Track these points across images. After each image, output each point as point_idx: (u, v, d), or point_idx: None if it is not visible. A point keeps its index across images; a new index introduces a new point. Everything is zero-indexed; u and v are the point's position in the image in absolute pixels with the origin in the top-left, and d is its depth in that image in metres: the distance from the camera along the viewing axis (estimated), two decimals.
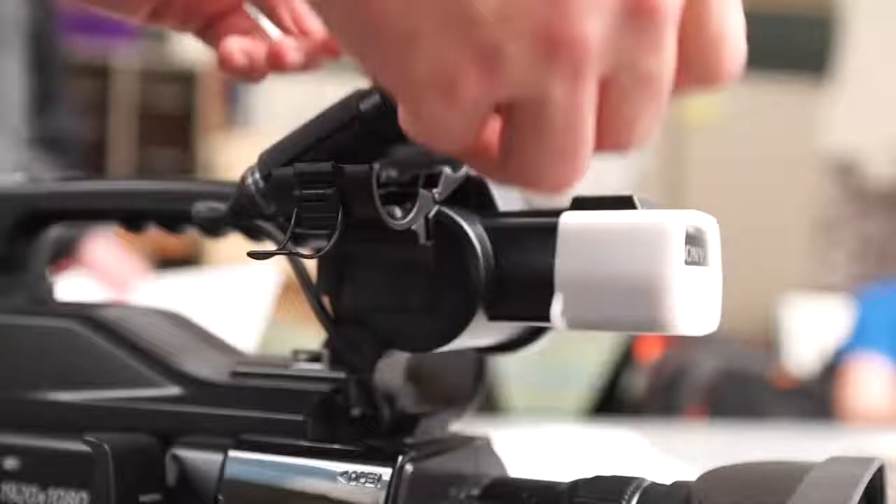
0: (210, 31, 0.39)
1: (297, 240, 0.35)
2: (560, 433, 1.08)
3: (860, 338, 1.82)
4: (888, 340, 1.78)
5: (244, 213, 0.33)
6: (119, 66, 3.12)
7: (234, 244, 0.43)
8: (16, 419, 0.38)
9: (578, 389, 1.96)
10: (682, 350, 1.96)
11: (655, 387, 1.93)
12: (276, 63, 0.37)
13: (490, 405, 1.71)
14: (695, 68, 0.28)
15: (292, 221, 0.31)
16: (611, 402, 1.97)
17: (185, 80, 3.21)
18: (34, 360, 0.39)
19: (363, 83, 0.31)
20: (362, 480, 0.32)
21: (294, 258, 0.34)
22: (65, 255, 1.06)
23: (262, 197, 0.32)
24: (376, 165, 0.30)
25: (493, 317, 0.32)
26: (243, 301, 1.18)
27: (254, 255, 0.31)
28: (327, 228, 0.30)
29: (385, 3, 0.25)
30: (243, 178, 0.33)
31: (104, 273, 1.10)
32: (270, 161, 0.32)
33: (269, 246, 0.37)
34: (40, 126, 1.13)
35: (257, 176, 0.32)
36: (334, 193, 0.30)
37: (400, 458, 0.32)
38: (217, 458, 0.34)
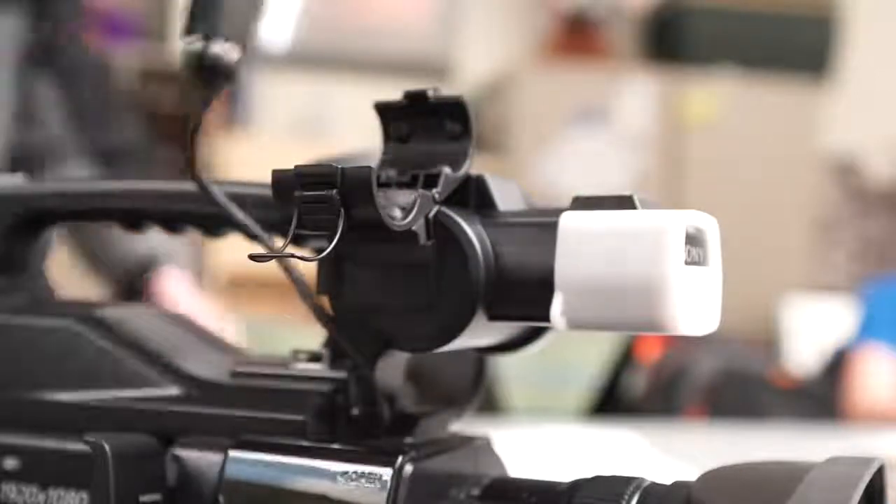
0: None
1: (298, 240, 0.35)
2: (560, 433, 1.08)
3: (866, 329, 1.82)
4: (893, 332, 1.79)
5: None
6: (119, 66, 3.12)
7: (235, 244, 0.43)
8: (16, 419, 0.38)
9: (578, 389, 1.95)
10: (682, 350, 1.96)
11: (655, 387, 1.93)
12: None
13: (490, 405, 1.71)
14: None
15: (293, 223, 0.31)
16: (611, 402, 1.96)
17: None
18: (34, 360, 0.39)
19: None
20: (362, 480, 0.32)
21: (288, 261, 0.34)
22: (137, 288, 1.06)
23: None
24: (376, 166, 0.30)
25: (493, 317, 0.32)
26: None
27: (254, 258, 0.31)
28: (328, 230, 0.30)
29: None
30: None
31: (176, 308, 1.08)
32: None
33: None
34: (93, 140, 1.11)
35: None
36: (335, 195, 0.30)
37: (400, 458, 0.32)
38: (217, 458, 0.34)
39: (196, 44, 0.32)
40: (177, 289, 1.08)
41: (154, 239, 1.06)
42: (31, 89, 1.07)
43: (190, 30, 0.32)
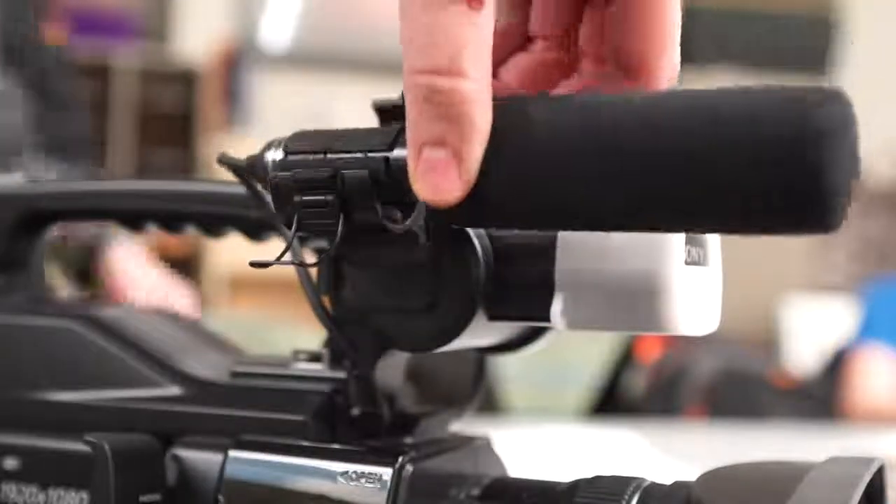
0: None
1: (300, 240, 0.35)
2: (560, 433, 1.09)
3: (866, 329, 1.82)
4: (893, 332, 1.79)
5: (256, 175, 0.33)
6: (119, 66, 3.12)
7: (235, 244, 0.43)
8: (16, 419, 0.38)
9: (578, 389, 1.95)
10: (682, 350, 1.96)
11: (655, 387, 1.93)
12: None
13: (490, 405, 1.71)
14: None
15: (293, 228, 0.31)
16: (611, 402, 1.96)
17: (185, 80, 3.21)
18: (34, 360, 0.39)
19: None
20: (363, 480, 0.32)
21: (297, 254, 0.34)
22: (90, 263, 1.07)
23: (273, 171, 0.32)
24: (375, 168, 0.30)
25: (493, 317, 0.32)
26: None
27: (255, 265, 0.31)
28: (328, 234, 0.30)
29: None
30: (267, 146, 0.33)
31: (129, 282, 1.09)
32: (294, 147, 0.32)
33: (271, 245, 0.37)
34: (50, 136, 1.12)
35: (279, 153, 0.32)
36: (335, 199, 0.30)
37: (400, 459, 0.32)
38: (217, 458, 0.34)
39: (274, 148, 0.32)
40: (128, 264, 1.09)
41: None
42: None
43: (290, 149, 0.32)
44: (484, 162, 0.28)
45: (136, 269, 1.10)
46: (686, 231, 0.29)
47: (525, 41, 0.33)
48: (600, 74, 0.32)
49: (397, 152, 0.30)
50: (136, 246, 1.13)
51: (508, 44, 0.32)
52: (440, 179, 0.28)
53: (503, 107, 0.28)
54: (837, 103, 0.24)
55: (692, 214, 0.26)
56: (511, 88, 0.32)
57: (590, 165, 0.27)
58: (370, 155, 0.30)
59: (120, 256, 1.10)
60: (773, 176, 0.24)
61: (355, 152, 0.30)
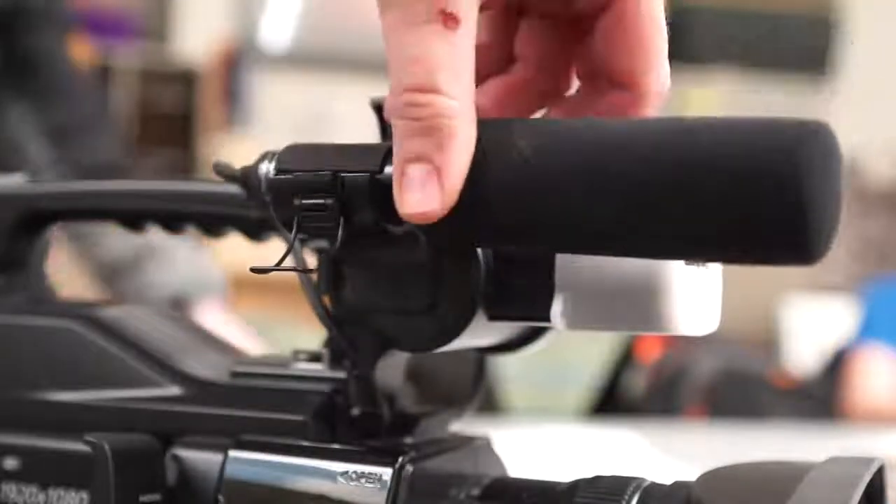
0: None
1: (300, 240, 0.35)
2: (560, 433, 1.09)
3: (866, 329, 1.83)
4: (893, 332, 1.79)
5: (249, 186, 0.33)
6: (119, 66, 3.12)
7: (235, 244, 0.43)
8: (16, 419, 0.38)
9: (578, 389, 1.95)
10: (682, 350, 1.96)
11: (655, 387, 1.93)
12: None
13: (490, 405, 1.71)
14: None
15: (293, 232, 0.31)
16: (611, 402, 1.96)
17: (185, 80, 3.21)
18: (34, 360, 0.39)
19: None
20: (363, 480, 0.32)
21: (296, 257, 0.34)
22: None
23: (265, 189, 0.32)
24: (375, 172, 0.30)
25: (493, 317, 0.32)
26: None
27: (256, 271, 0.31)
28: (328, 237, 0.30)
29: None
30: (261, 158, 0.33)
31: None
32: (287, 162, 0.32)
33: (271, 245, 0.37)
34: (75, 160, 1.10)
35: (271, 167, 0.32)
36: (334, 202, 0.30)
37: (400, 459, 0.32)
38: (217, 458, 0.34)
39: (268, 161, 0.32)
40: (213, 321, 1.07)
41: (186, 269, 1.06)
42: (4, 112, 1.06)
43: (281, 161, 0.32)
44: (468, 181, 0.28)
45: (219, 326, 1.08)
46: (673, 259, 0.29)
47: (505, 63, 0.34)
48: (591, 91, 0.32)
49: (388, 171, 0.30)
50: (219, 298, 1.12)
51: (486, 65, 0.32)
52: (421, 194, 0.28)
53: (488, 127, 0.28)
54: (821, 138, 0.25)
55: (678, 245, 0.26)
56: (484, 110, 0.32)
57: (574, 191, 0.27)
58: (361, 174, 0.30)
59: (206, 312, 1.09)
60: (757, 210, 0.25)
61: (346, 173, 0.30)
